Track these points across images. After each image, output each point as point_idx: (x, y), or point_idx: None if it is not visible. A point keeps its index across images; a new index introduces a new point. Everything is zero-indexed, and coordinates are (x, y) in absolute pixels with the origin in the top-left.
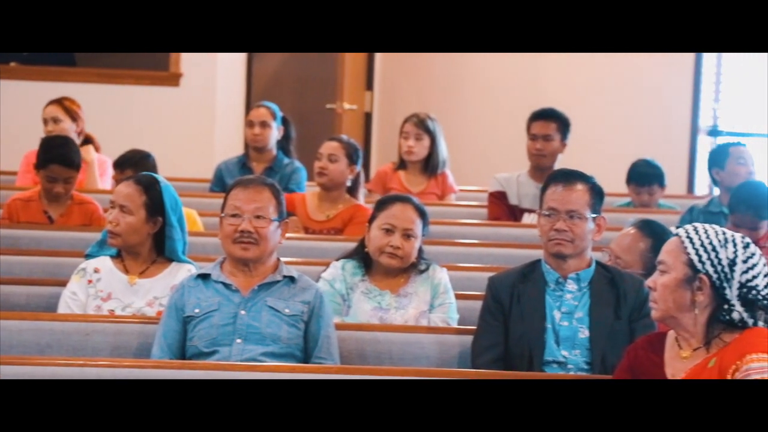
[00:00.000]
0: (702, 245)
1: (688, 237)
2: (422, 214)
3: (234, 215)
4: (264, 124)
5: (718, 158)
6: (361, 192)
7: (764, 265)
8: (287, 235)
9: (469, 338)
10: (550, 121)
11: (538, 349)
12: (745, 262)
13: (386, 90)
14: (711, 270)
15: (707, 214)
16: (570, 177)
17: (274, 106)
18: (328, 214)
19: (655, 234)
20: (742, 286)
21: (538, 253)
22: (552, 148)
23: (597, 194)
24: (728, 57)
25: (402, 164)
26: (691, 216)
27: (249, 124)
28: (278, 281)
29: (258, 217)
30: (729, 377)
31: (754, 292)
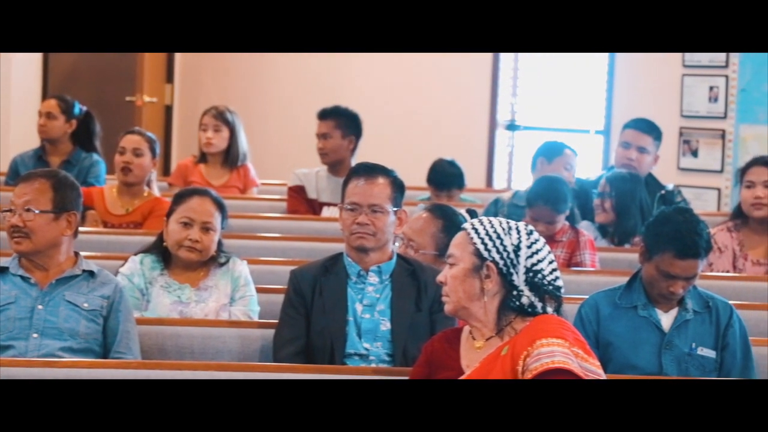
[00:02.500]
0: (487, 234)
1: (473, 228)
2: (220, 207)
3: (8, 210)
4: (49, 115)
5: (550, 151)
6: (156, 185)
7: (549, 252)
8: (85, 229)
9: (271, 332)
10: (327, 120)
11: (339, 341)
12: (529, 247)
13: (187, 83)
14: (497, 257)
15: (512, 206)
16: (371, 171)
17: (68, 99)
18: (128, 207)
19: (445, 215)
20: (528, 270)
21: (339, 247)
22: (331, 146)
23: (398, 188)
24: (525, 55)
25: (203, 157)
26: (495, 208)
27: (39, 115)
28: (77, 275)
29: (27, 210)
30: (521, 363)
31: (540, 276)
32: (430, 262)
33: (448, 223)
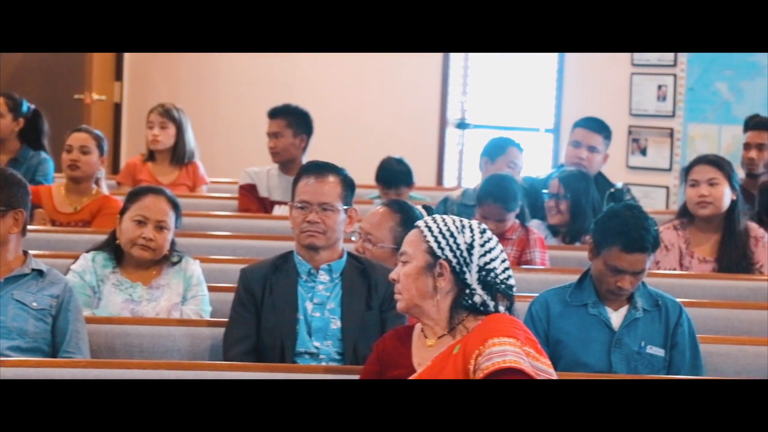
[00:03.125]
0: (440, 232)
1: (427, 226)
2: (175, 206)
3: None
4: None
5: (493, 150)
6: (104, 183)
7: (501, 251)
8: (34, 227)
9: (221, 330)
10: (278, 118)
11: (290, 340)
12: (482, 246)
13: (137, 81)
14: (450, 255)
15: (461, 206)
16: (322, 169)
17: (15, 97)
18: (76, 206)
19: (403, 210)
20: (480, 269)
21: (289, 245)
22: (283, 144)
23: (348, 186)
24: (475, 54)
25: (151, 155)
26: (445, 207)
27: None
28: (26, 275)
29: None
30: (472, 362)
31: (492, 275)
32: (388, 255)
33: (406, 217)
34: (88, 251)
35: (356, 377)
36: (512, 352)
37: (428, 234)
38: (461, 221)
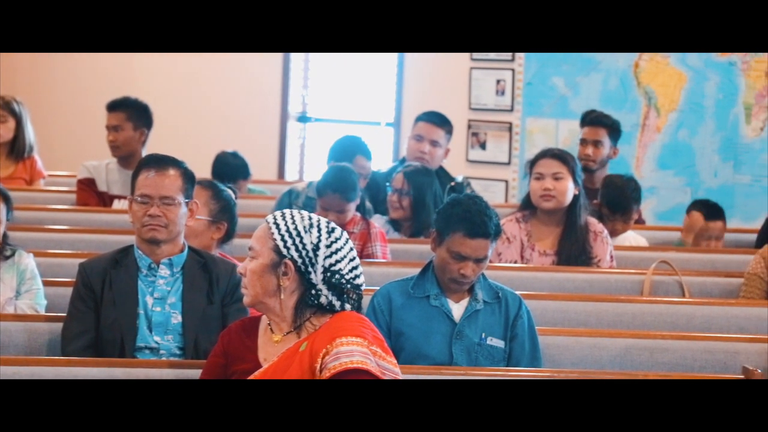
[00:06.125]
0: (287, 230)
1: (275, 223)
2: (5, 199)
3: None
4: None
5: (339, 156)
6: None
7: (350, 250)
8: None
9: (59, 325)
10: (117, 111)
11: (130, 335)
12: (328, 246)
13: None
14: (296, 255)
15: (308, 198)
16: (162, 162)
17: None
18: None
19: (212, 185)
20: (326, 270)
21: (129, 239)
22: (123, 138)
23: (189, 179)
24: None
25: None
26: (290, 199)
27: None
28: None
29: None
30: (319, 360)
31: (338, 276)
32: (204, 228)
33: (215, 192)
34: None
35: (199, 372)
36: (359, 352)
37: (275, 231)
38: (310, 219)
